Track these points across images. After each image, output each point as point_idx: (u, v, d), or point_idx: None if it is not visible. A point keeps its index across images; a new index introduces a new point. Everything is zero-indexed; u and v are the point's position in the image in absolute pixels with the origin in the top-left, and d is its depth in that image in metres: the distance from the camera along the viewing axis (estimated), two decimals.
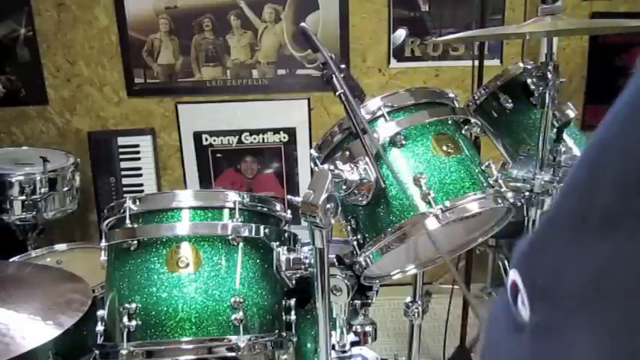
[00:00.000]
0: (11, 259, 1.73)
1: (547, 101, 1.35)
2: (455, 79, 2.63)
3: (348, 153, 1.09)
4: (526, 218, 1.41)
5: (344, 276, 1.13)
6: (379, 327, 1.33)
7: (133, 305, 1.14)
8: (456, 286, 2.15)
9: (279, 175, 2.75)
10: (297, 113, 2.66)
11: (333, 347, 1.22)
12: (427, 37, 2.60)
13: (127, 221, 1.19)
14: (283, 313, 1.26)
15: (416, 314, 1.54)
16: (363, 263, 1.10)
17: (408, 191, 1.05)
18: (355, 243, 1.13)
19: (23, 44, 2.61)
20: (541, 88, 1.36)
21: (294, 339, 1.28)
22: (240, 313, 1.14)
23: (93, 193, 2.68)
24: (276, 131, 2.69)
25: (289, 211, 1.34)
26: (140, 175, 2.67)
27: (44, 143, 2.67)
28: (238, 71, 2.67)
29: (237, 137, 2.69)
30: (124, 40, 2.61)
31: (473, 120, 1.19)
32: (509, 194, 1.11)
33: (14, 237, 2.21)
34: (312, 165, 1.21)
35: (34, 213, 2.11)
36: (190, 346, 1.13)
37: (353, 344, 1.28)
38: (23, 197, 2.08)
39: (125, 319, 1.13)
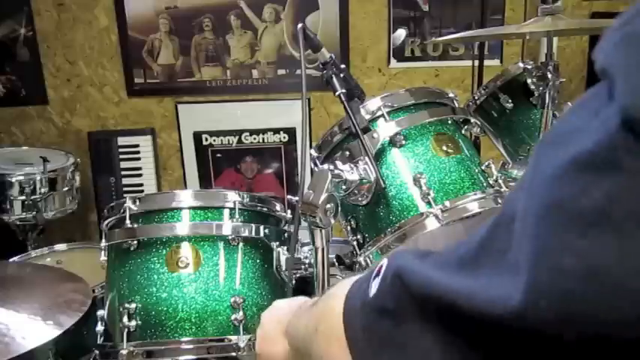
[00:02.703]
0: (11, 259, 1.73)
1: (547, 101, 1.35)
2: (455, 79, 2.63)
3: (348, 153, 1.09)
4: None
5: (344, 276, 1.13)
6: None
7: (133, 305, 1.14)
8: None
9: (279, 175, 2.75)
10: (297, 113, 2.65)
11: None
12: (427, 37, 2.60)
13: (127, 221, 1.19)
14: None
15: None
16: (363, 263, 1.10)
17: (407, 191, 1.05)
18: (355, 243, 1.13)
19: (23, 44, 2.61)
20: (541, 88, 1.36)
21: None
22: (240, 313, 1.14)
23: (93, 193, 2.68)
24: (276, 131, 2.69)
25: (289, 211, 1.34)
26: (140, 175, 2.67)
27: (44, 143, 2.66)
28: (238, 71, 2.67)
29: (237, 137, 2.69)
30: (124, 40, 2.61)
31: (473, 120, 1.19)
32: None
33: (14, 237, 2.21)
34: (312, 165, 1.21)
35: (34, 213, 2.10)
36: (190, 346, 1.13)
37: None
38: (23, 197, 2.08)
39: (125, 319, 1.13)
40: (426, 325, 0.35)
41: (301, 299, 0.71)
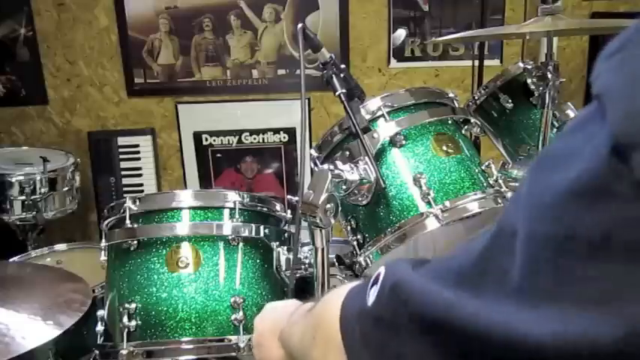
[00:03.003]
0: (11, 259, 1.73)
1: (547, 101, 1.35)
2: (455, 79, 2.63)
3: (348, 153, 1.09)
4: None
5: (344, 276, 1.13)
6: None
7: (133, 305, 1.14)
8: None
9: (279, 175, 2.75)
10: (297, 113, 2.64)
11: None
12: (427, 37, 2.59)
13: (127, 221, 1.19)
14: None
15: None
16: (363, 263, 1.10)
17: (407, 191, 1.05)
18: (355, 243, 1.13)
19: (23, 44, 2.61)
20: (541, 88, 1.36)
21: None
22: (240, 313, 1.14)
23: (93, 193, 2.68)
24: (276, 131, 2.69)
25: (289, 211, 1.34)
26: (140, 175, 2.67)
27: (44, 143, 2.66)
28: (238, 71, 2.67)
29: (237, 137, 2.69)
30: (124, 40, 2.61)
31: (473, 120, 1.19)
32: (509, 194, 1.11)
33: (14, 237, 2.21)
34: (312, 165, 1.21)
35: (34, 213, 2.10)
36: (190, 346, 1.13)
37: None
38: (23, 197, 2.08)
39: (125, 319, 1.13)
40: (421, 338, 0.35)
41: (295, 303, 0.71)
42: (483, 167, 1.13)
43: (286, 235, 1.30)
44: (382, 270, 0.42)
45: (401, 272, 0.40)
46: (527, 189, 0.32)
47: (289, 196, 1.17)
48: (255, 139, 2.70)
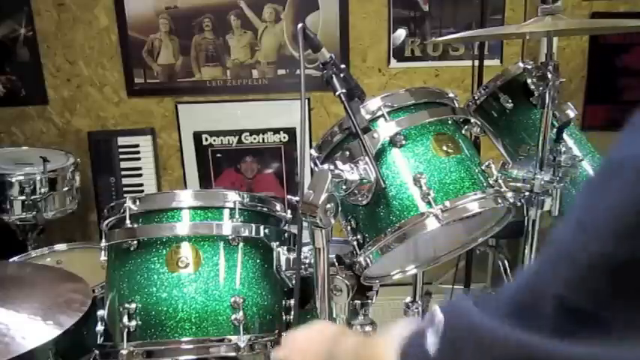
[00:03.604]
0: (11, 259, 1.73)
1: (547, 101, 1.35)
2: (455, 79, 2.63)
3: (348, 153, 1.09)
4: (526, 218, 1.41)
5: (344, 276, 1.13)
6: (379, 327, 1.33)
7: (133, 305, 1.14)
8: (456, 286, 2.15)
9: (279, 175, 2.75)
10: (297, 113, 2.64)
11: None
12: (427, 37, 2.60)
13: (127, 221, 1.19)
14: (283, 313, 1.27)
15: (416, 314, 1.54)
16: (363, 263, 1.10)
17: (408, 191, 1.05)
18: (355, 243, 1.13)
19: (23, 44, 2.61)
20: (541, 88, 1.36)
21: None
22: (240, 313, 1.14)
23: (93, 193, 2.68)
24: (276, 131, 2.69)
25: (289, 211, 1.34)
26: (140, 175, 2.67)
27: (44, 143, 2.66)
28: (238, 71, 2.67)
29: (237, 137, 2.69)
30: (124, 40, 2.61)
31: (473, 120, 1.19)
32: (509, 194, 1.11)
33: (14, 237, 2.21)
34: (312, 165, 1.21)
35: (34, 213, 2.11)
36: (190, 346, 1.13)
37: None
38: (23, 197, 2.08)
39: (125, 319, 1.13)
40: None
41: (330, 329, 0.69)
42: (483, 167, 1.13)
43: (286, 235, 1.30)
44: (438, 312, 0.41)
45: (460, 312, 0.39)
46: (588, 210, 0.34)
47: (289, 196, 1.17)
48: (255, 139, 2.70)
